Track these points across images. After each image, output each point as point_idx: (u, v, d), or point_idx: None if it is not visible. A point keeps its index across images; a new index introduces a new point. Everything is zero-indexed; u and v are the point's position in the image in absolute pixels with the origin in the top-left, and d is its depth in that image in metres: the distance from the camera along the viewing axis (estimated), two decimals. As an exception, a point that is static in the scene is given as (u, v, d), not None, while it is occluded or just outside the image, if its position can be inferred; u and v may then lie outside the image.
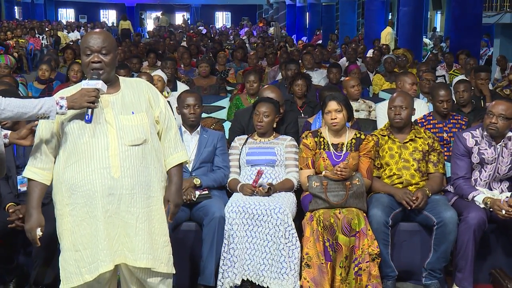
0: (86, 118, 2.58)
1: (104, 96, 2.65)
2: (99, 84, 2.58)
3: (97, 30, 2.78)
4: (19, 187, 3.59)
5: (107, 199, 2.58)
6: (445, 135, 4.51)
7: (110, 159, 2.58)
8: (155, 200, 2.71)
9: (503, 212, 3.47)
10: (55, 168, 2.67)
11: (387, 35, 14.08)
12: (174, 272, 2.79)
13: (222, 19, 37.27)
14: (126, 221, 2.61)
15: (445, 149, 4.39)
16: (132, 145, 2.63)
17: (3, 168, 2.80)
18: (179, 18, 34.32)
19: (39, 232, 2.65)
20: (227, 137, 4.47)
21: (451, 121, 4.58)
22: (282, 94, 4.64)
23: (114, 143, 2.60)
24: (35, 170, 2.67)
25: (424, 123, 4.57)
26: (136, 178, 2.62)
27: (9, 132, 2.84)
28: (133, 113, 2.67)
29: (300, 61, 8.39)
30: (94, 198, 2.57)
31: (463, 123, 4.56)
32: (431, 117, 4.63)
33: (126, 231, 2.62)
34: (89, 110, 2.57)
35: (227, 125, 4.96)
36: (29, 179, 2.69)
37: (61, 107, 2.53)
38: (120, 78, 2.79)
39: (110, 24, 30.08)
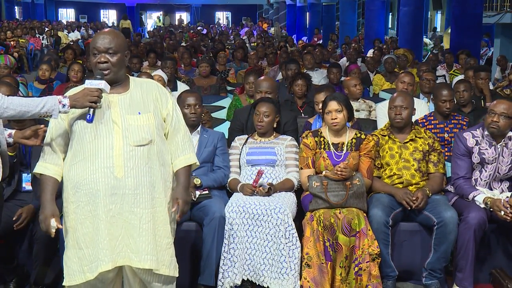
0: (88, 118, 2.58)
1: (112, 96, 2.65)
2: (102, 84, 2.58)
3: (106, 30, 2.77)
4: (24, 185, 3.59)
5: (110, 199, 2.58)
6: (446, 135, 4.51)
7: (114, 158, 2.58)
8: (159, 202, 2.70)
9: (502, 213, 3.47)
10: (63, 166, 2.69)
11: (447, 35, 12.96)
12: (177, 275, 2.78)
13: (222, 19, 37.28)
14: (129, 221, 2.61)
15: (446, 149, 4.39)
16: (137, 145, 2.62)
17: (6, 168, 2.81)
18: (183, 17, 34.32)
19: (53, 223, 2.62)
20: (226, 137, 4.47)
21: (452, 121, 4.58)
22: (275, 82, 4.77)
23: (119, 143, 2.60)
24: (46, 165, 2.69)
25: (425, 123, 4.56)
26: (140, 179, 2.62)
27: (13, 131, 2.85)
28: (139, 113, 2.66)
29: (300, 61, 8.38)
30: (97, 197, 2.58)
31: (464, 123, 4.55)
32: (432, 117, 4.62)
33: (129, 232, 2.61)
34: (91, 110, 2.57)
35: (227, 125, 4.96)
36: (40, 174, 2.69)
37: (64, 105, 2.55)
38: (131, 78, 2.78)
39: (110, 24, 30.06)
